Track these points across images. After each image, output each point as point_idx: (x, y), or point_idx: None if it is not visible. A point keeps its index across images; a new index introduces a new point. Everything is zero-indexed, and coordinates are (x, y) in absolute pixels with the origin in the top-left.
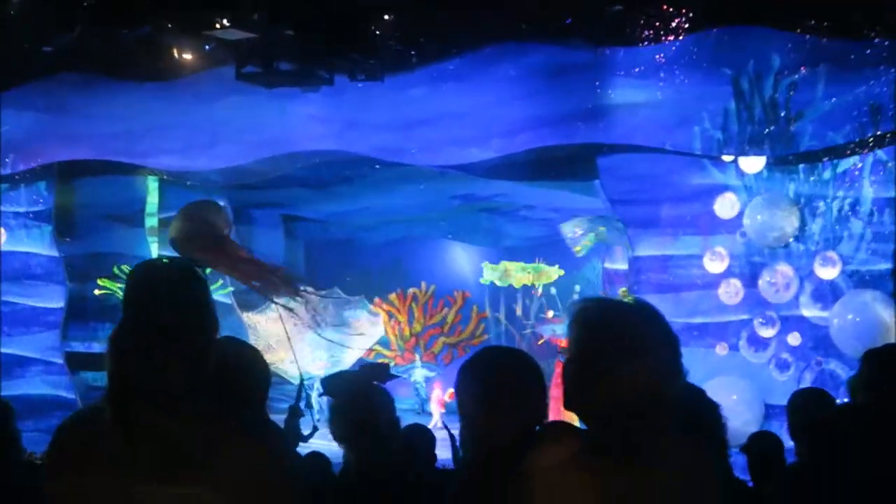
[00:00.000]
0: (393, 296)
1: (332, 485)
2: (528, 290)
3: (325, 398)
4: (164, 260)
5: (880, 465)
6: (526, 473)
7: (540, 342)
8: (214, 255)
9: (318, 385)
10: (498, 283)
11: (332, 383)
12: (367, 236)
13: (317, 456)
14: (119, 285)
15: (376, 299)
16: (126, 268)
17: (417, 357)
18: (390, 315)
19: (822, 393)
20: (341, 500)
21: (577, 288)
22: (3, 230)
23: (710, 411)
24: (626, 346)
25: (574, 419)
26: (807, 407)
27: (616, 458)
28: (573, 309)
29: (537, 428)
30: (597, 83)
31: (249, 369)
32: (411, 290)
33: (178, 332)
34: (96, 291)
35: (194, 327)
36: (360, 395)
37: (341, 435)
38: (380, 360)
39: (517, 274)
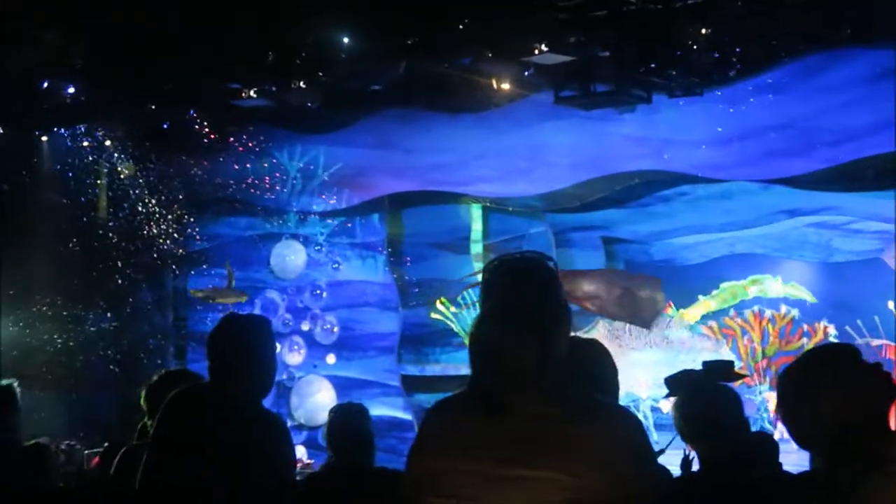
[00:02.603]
0: (749, 312)
1: (676, 484)
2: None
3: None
4: (517, 254)
5: None
6: (892, 464)
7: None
8: None
9: (643, 407)
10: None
11: (676, 382)
12: (687, 255)
13: None
14: (453, 310)
15: (732, 311)
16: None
17: (767, 379)
18: (743, 332)
19: None
20: (684, 496)
21: None
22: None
23: None
24: None
25: None
26: None
27: None
28: None
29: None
30: None
31: (601, 358)
32: (768, 312)
33: (533, 317)
34: (432, 315)
35: (548, 314)
36: (704, 393)
37: (686, 433)
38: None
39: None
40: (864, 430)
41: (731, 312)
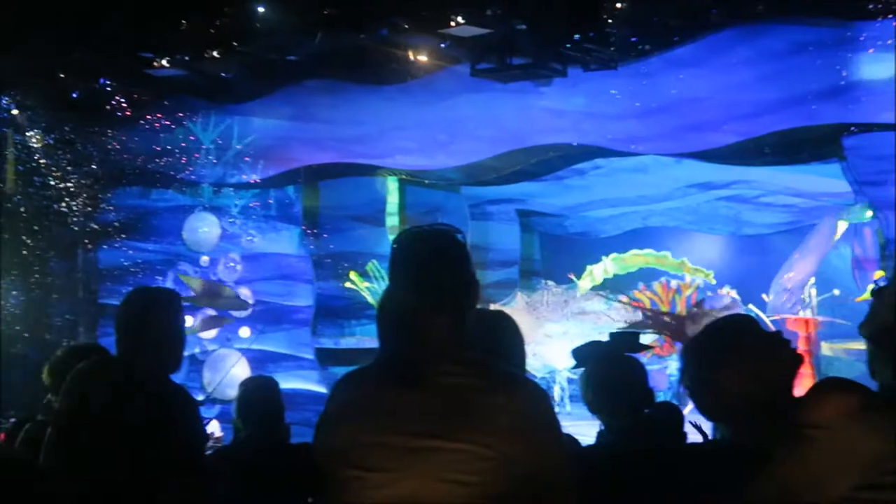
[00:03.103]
0: (657, 285)
1: (581, 453)
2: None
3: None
4: (426, 226)
5: None
6: (804, 427)
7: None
8: None
9: (559, 378)
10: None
11: (583, 354)
12: (602, 228)
13: None
14: (366, 284)
15: (641, 285)
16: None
17: (677, 349)
18: (653, 304)
19: None
20: (589, 467)
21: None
22: None
23: None
24: None
25: None
26: None
27: None
28: None
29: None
30: (841, 60)
31: (508, 329)
32: (674, 283)
33: (445, 289)
34: (346, 284)
35: (458, 285)
36: (611, 363)
37: (592, 404)
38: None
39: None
40: (770, 399)
41: (641, 286)
